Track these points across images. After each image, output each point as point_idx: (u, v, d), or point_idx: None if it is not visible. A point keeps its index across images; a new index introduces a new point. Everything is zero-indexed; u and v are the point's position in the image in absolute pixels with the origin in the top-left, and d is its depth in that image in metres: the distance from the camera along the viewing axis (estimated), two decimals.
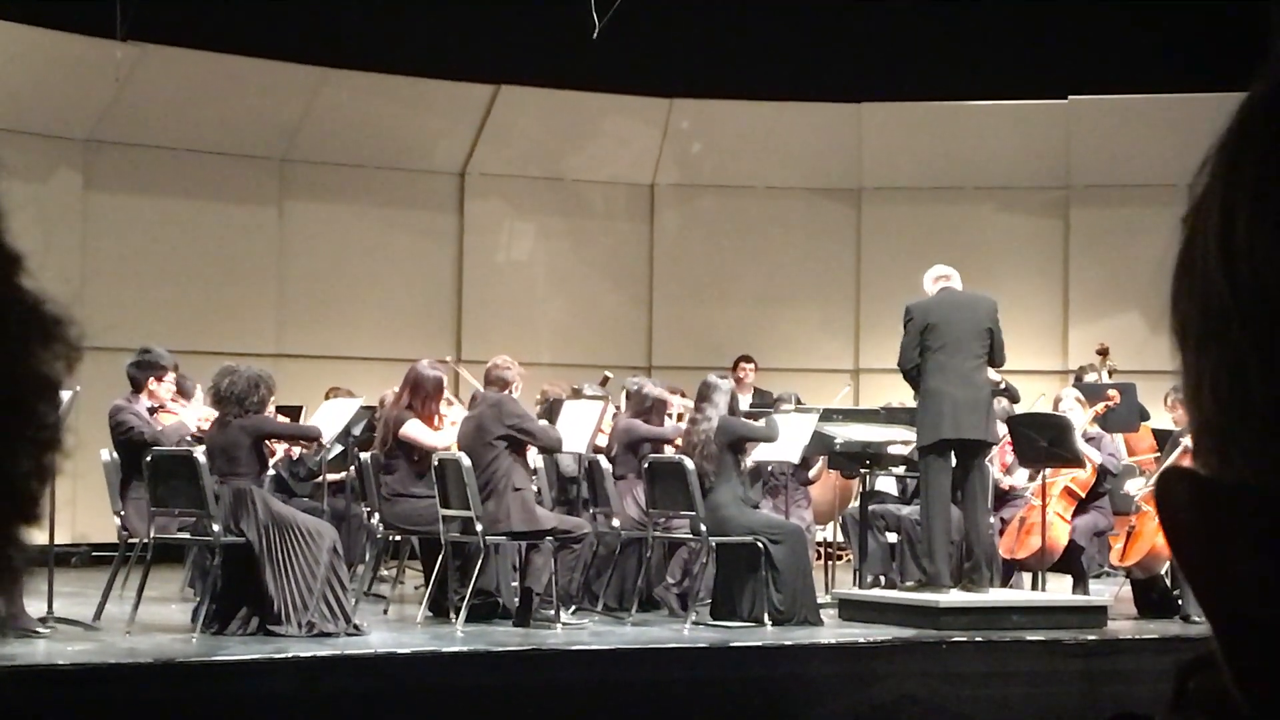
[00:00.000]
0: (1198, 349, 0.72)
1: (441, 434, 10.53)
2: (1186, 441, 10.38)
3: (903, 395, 12.34)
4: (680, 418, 11.74)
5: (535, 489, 11.01)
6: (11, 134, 14.12)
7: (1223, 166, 0.72)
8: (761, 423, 11.16)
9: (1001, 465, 11.82)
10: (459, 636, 9.65)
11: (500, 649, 9.29)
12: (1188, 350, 0.73)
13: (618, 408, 11.97)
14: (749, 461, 11.13)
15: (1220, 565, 0.71)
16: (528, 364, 11.29)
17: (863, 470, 12.05)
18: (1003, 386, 12.38)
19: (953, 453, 10.54)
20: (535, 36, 15.55)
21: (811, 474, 12.74)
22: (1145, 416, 12.83)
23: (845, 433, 11.84)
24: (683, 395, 12.32)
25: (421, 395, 10.56)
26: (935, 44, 16.05)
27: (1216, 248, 0.71)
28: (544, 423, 10.63)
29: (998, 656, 9.74)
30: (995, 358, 10.65)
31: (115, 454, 10.38)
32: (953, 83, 16.24)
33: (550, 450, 10.92)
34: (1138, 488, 11.40)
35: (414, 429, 10.46)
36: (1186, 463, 0.75)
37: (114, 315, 13.93)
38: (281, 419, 11.28)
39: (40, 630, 9.25)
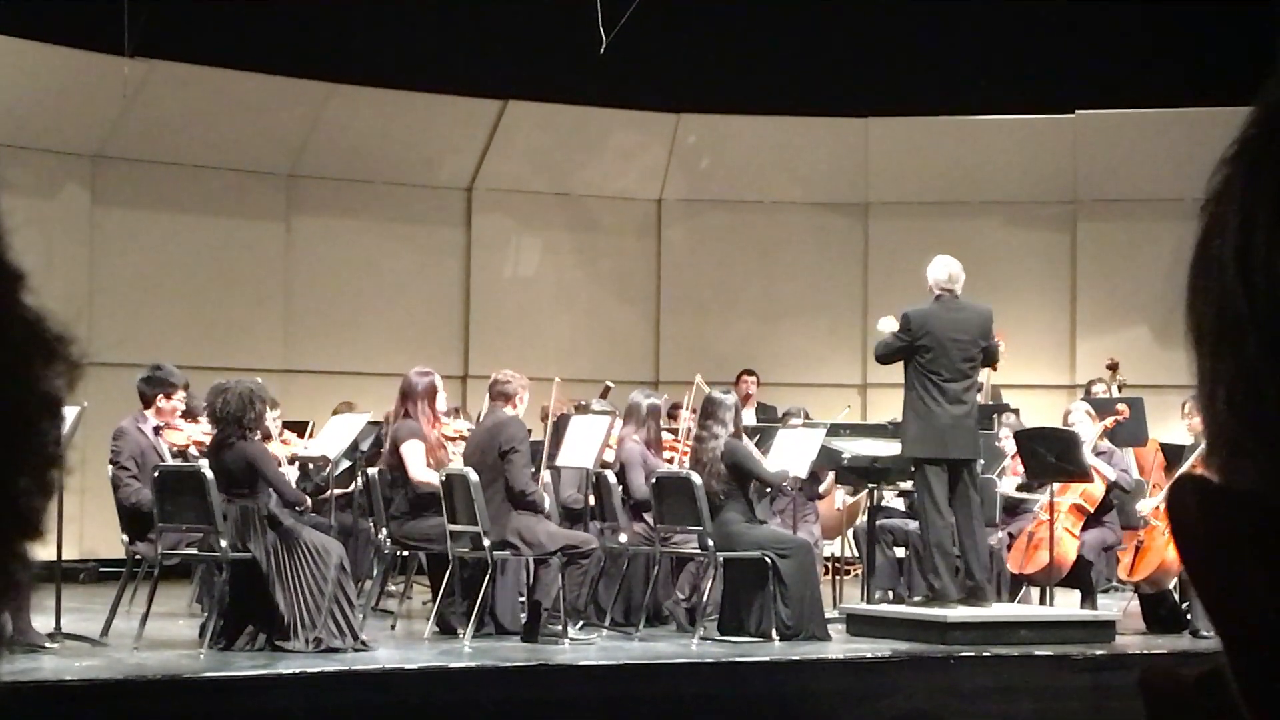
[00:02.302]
0: (1213, 354, 0.71)
1: (430, 472, 10.43)
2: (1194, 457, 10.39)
3: None
4: (689, 434, 11.68)
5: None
6: (19, 150, 14.15)
7: (1243, 172, 0.71)
8: (776, 473, 10.95)
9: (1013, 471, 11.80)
10: (466, 652, 9.64)
11: (507, 664, 9.29)
12: (1203, 354, 0.72)
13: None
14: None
15: (1228, 573, 0.70)
16: (535, 379, 11.26)
17: (870, 485, 12.03)
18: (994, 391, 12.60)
19: (943, 467, 10.52)
20: (542, 51, 15.55)
21: (821, 488, 12.71)
22: None
23: (853, 447, 11.83)
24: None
25: (415, 399, 10.56)
26: (942, 58, 16.05)
27: (1234, 257, 0.69)
28: (535, 485, 10.39)
29: (1005, 671, 9.72)
30: (989, 363, 10.77)
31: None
32: (960, 97, 16.23)
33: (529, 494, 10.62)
34: (1149, 508, 11.28)
35: (410, 451, 10.43)
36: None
37: (121, 331, 13.98)
38: (288, 437, 11.26)
39: (48, 646, 9.26)
